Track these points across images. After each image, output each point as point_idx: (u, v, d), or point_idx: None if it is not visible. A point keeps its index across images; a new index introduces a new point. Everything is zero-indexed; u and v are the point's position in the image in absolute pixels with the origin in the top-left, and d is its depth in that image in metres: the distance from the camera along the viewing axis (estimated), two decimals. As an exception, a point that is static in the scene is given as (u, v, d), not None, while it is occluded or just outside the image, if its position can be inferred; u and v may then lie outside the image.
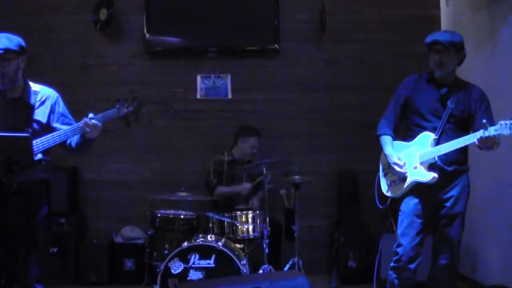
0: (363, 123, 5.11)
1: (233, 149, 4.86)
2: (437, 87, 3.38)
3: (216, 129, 5.39)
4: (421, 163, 3.29)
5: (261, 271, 4.20)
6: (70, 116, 3.08)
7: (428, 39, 3.32)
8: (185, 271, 3.88)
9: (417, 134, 3.37)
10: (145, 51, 5.36)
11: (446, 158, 3.27)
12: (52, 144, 2.87)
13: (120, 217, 5.27)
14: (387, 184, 3.51)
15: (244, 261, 3.97)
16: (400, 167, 3.33)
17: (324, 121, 5.44)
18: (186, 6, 5.34)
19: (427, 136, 3.31)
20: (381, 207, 3.53)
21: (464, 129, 3.33)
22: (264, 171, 4.30)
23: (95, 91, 5.27)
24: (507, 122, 2.90)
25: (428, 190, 3.29)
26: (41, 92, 3.01)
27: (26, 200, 2.85)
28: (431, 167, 3.28)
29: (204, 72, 5.43)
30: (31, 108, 2.94)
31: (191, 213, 4.33)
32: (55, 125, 2.99)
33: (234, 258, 3.89)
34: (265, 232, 4.20)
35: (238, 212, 4.30)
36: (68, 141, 3.00)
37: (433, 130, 3.31)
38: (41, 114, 2.96)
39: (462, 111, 3.32)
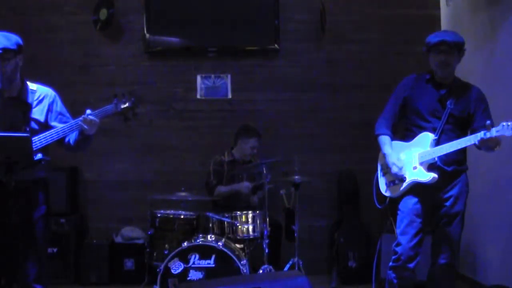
0: (363, 123, 5.10)
1: (233, 150, 4.86)
2: (436, 87, 3.38)
3: (216, 129, 5.39)
4: (421, 164, 3.29)
5: (261, 271, 4.20)
6: (68, 115, 3.08)
7: (434, 39, 3.29)
8: (185, 271, 3.88)
9: (416, 134, 3.37)
10: (145, 51, 5.37)
11: (446, 158, 3.27)
12: (50, 141, 2.86)
13: (120, 217, 5.27)
14: (385, 184, 3.51)
15: (244, 261, 3.97)
16: (399, 168, 3.33)
17: (324, 121, 5.43)
18: (186, 6, 5.34)
19: (427, 137, 3.31)
20: (379, 207, 3.53)
21: (463, 129, 3.34)
22: (264, 171, 4.31)
23: (95, 91, 5.27)
24: (509, 123, 2.91)
25: (427, 189, 3.29)
26: (39, 91, 3.01)
27: (24, 200, 2.86)
28: (431, 167, 3.28)
29: (204, 72, 5.43)
30: (28, 107, 2.94)
31: (191, 213, 4.33)
32: (53, 123, 2.99)
33: (234, 258, 3.89)
34: (265, 232, 4.21)
35: (238, 212, 4.29)
36: (67, 139, 3.00)
37: (432, 130, 3.31)
38: (38, 113, 2.96)
39: (461, 111, 3.32)
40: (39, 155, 2.86)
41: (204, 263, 3.90)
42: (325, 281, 4.88)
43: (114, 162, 5.40)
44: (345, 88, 5.43)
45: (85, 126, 2.88)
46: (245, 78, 5.44)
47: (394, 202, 3.45)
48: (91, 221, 5.35)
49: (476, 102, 3.33)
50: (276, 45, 5.33)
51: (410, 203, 3.35)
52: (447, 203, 3.32)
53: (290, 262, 4.51)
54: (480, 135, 3.02)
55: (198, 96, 5.43)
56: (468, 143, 3.13)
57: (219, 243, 3.95)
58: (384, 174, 3.53)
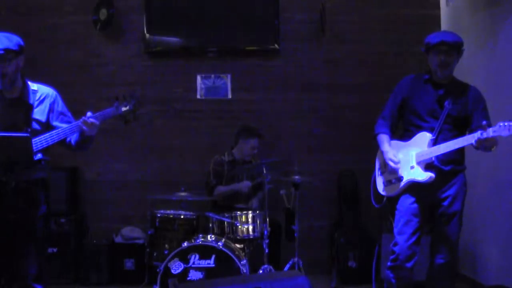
0: (363, 123, 5.08)
1: (233, 150, 4.86)
2: (434, 87, 3.38)
3: (216, 129, 5.39)
4: (418, 163, 3.29)
5: (261, 271, 4.20)
6: (69, 114, 3.09)
7: (433, 39, 3.30)
8: (185, 271, 3.88)
9: (415, 134, 3.38)
10: (145, 51, 5.37)
11: (443, 157, 3.27)
12: (51, 143, 2.87)
13: (120, 217, 5.27)
14: (383, 183, 3.51)
15: (244, 261, 3.98)
16: (395, 163, 3.33)
17: (324, 121, 5.44)
18: (186, 6, 5.34)
19: (425, 136, 3.31)
20: (376, 206, 3.53)
21: (461, 130, 3.34)
22: (264, 171, 4.31)
23: (95, 91, 5.28)
24: (506, 124, 2.91)
25: (425, 189, 3.30)
26: (40, 91, 3.01)
27: (25, 200, 2.85)
28: (428, 166, 3.28)
29: (204, 72, 5.43)
30: (30, 107, 2.94)
31: (191, 213, 4.33)
32: (55, 123, 2.99)
33: (234, 258, 3.89)
34: (265, 232, 4.21)
35: (238, 212, 4.30)
36: (68, 139, 3.00)
37: (430, 130, 3.31)
38: (40, 113, 2.96)
39: (459, 111, 3.32)
40: (39, 155, 2.87)
41: (204, 263, 3.90)
42: (325, 281, 4.88)
43: (114, 162, 5.40)
44: (345, 88, 5.42)
45: (85, 128, 2.89)
46: (245, 78, 5.44)
47: (393, 201, 3.45)
48: (91, 221, 5.35)
49: (474, 102, 3.34)
50: (276, 45, 5.33)
51: (407, 203, 3.36)
52: (445, 203, 3.32)
53: (290, 262, 4.51)
54: (477, 135, 3.02)
55: (198, 96, 5.43)
56: (465, 143, 3.13)
57: (219, 243, 3.95)
58: (382, 173, 3.54)
